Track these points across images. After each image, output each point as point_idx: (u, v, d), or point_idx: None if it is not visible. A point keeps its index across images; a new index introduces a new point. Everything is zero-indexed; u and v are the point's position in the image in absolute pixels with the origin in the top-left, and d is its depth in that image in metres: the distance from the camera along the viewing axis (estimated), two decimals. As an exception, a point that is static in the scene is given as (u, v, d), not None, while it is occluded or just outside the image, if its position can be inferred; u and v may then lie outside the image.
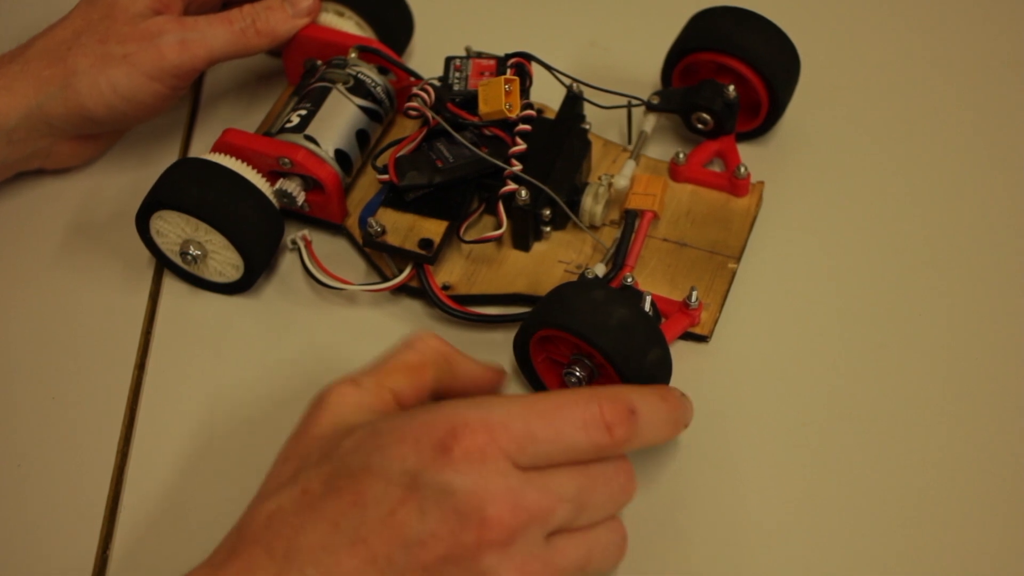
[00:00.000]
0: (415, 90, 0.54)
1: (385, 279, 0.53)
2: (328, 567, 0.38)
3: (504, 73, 0.54)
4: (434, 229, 0.52)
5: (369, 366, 0.44)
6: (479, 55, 0.55)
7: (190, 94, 0.64)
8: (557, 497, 0.39)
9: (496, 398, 0.41)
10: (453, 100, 0.53)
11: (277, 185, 0.54)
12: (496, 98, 0.52)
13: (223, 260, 0.54)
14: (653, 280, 0.53)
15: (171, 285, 0.56)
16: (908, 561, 0.46)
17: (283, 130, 0.54)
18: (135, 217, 0.53)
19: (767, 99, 0.56)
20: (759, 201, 0.56)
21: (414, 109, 0.54)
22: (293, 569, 0.38)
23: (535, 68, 0.55)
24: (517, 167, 0.52)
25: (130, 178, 0.60)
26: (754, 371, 0.51)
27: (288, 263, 0.56)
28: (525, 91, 0.54)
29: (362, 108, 0.55)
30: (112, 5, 0.56)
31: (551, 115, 0.57)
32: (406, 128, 0.57)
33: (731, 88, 0.55)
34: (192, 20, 0.56)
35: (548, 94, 0.57)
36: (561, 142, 0.54)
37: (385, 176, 0.53)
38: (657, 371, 0.46)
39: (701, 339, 0.52)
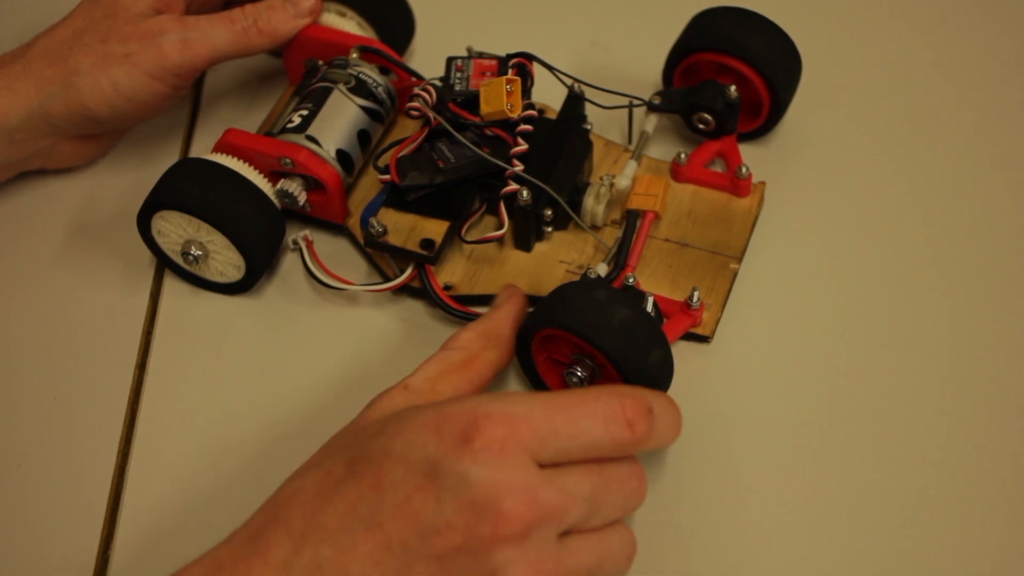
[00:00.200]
0: (416, 90, 0.54)
1: (387, 279, 0.53)
2: (344, 548, 0.38)
3: (506, 73, 0.54)
4: (436, 229, 0.52)
5: (418, 372, 0.46)
6: (480, 55, 0.55)
7: (191, 94, 0.64)
8: (572, 496, 0.40)
9: (519, 393, 0.42)
10: (455, 100, 0.53)
11: (278, 185, 0.54)
12: (498, 98, 0.52)
13: (224, 260, 0.53)
14: (655, 280, 0.53)
15: (172, 285, 0.56)
16: (908, 561, 0.46)
17: (284, 130, 0.54)
18: (136, 217, 0.53)
19: (768, 99, 0.56)
20: (761, 201, 0.56)
21: (415, 109, 0.54)
22: (308, 547, 0.39)
23: (537, 68, 0.55)
24: (519, 167, 0.52)
25: (131, 178, 0.60)
26: (755, 371, 0.51)
27: (289, 263, 0.56)
28: (527, 91, 0.54)
29: (363, 108, 0.55)
30: (114, 4, 0.56)
31: (553, 115, 0.57)
32: (407, 128, 0.57)
33: (732, 88, 0.55)
34: (194, 19, 0.56)
35: (550, 94, 0.57)
36: (563, 142, 0.54)
37: (387, 176, 0.53)
38: (659, 372, 0.46)
39: (703, 339, 0.52)
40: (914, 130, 0.60)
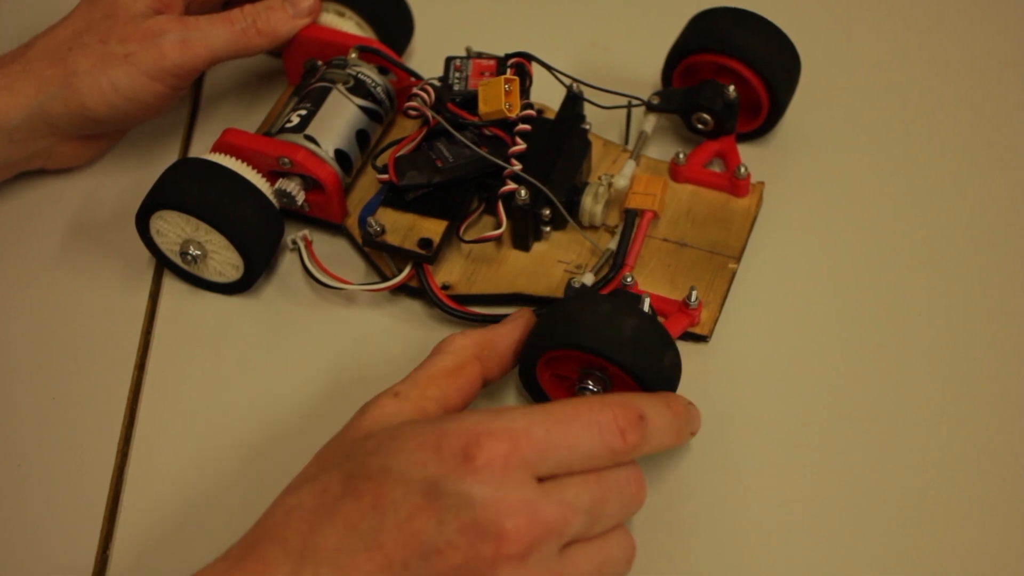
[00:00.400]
0: (415, 90, 0.54)
1: (385, 279, 0.53)
2: (344, 569, 0.38)
3: (504, 73, 0.54)
4: (434, 229, 0.52)
5: (408, 378, 0.45)
6: (479, 55, 0.55)
7: (190, 94, 0.64)
8: (573, 509, 0.40)
9: (515, 408, 0.41)
10: (453, 100, 0.53)
11: (277, 185, 0.54)
12: (496, 98, 0.52)
13: (223, 260, 0.54)
14: (653, 280, 0.53)
15: (171, 285, 0.56)
16: (908, 561, 0.46)
17: (283, 130, 0.54)
18: (135, 217, 0.53)
19: (767, 100, 0.56)
20: (759, 201, 0.56)
21: (414, 109, 0.54)
22: (307, 567, 0.38)
23: (535, 68, 0.55)
24: (517, 167, 0.52)
25: (131, 178, 0.60)
26: (754, 371, 0.51)
27: (288, 263, 0.56)
28: (525, 91, 0.54)
29: (362, 108, 0.55)
30: (113, 5, 0.56)
31: (551, 115, 0.57)
32: (406, 128, 0.57)
33: (731, 88, 0.55)
34: (193, 20, 0.56)
35: (548, 94, 0.57)
36: (561, 142, 0.54)
37: (385, 176, 0.53)
38: (672, 374, 0.46)
39: (701, 339, 0.52)
40: (912, 130, 0.60)
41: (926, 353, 0.52)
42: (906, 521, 0.47)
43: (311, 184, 0.54)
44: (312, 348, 0.53)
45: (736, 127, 0.57)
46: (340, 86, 0.55)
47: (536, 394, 0.49)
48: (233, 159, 0.53)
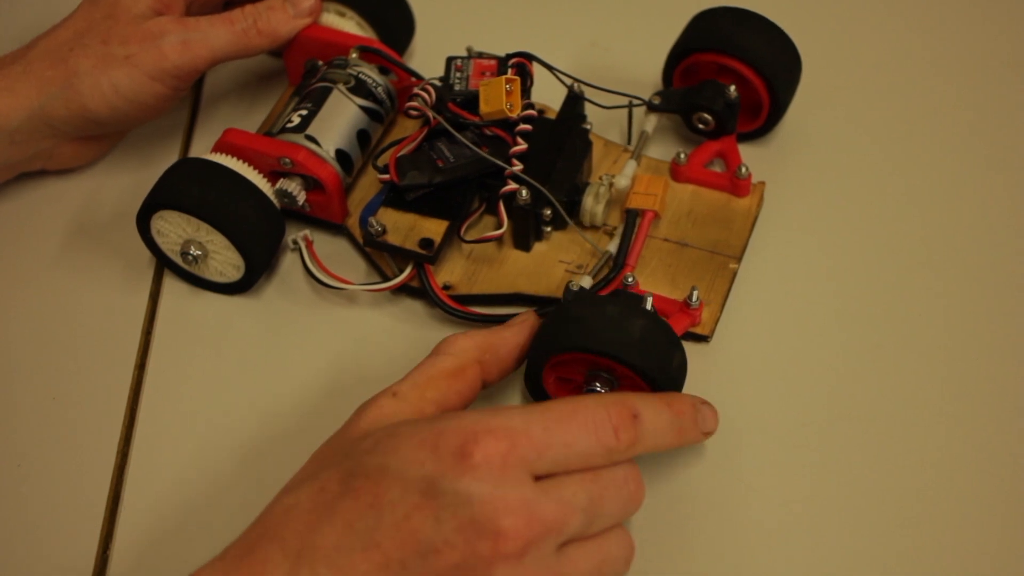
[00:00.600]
0: (416, 90, 0.54)
1: (386, 279, 0.53)
2: (341, 568, 0.38)
3: (505, 73, 0.54)
4: (435, 229, 0.52)
5: (407, 378, 0.45)
6: (480, 55, 0.55)
7: (191, 94, 0.64)
8: (571, 508, 0.40)
9: (512, 407, 0.41)
10: (454, 100, 0.53)
11: (278, 185, 0.54)
12: (497, 98, 0.52)
13: (224, 260, 0.54)
14: (654, 280, 0.53)
15: (171, 285, 0.56)
16: (908, 561, 0.46)
17: (284, 130, 0.54)
18: (136, 217, 0.53)
19: (768, 100, 0.56)
20: (760, 201, 0.56)
21: (415, 109, 0.54)
22: (305, 566, 0.38)
23: (536, 68, 0.55)
24: (518, 167, 0.52)
25: (131, 178, 0.60)
26: (755, 371, 0.51)
27: (289, 263, 0.56)
28: (526, 91, 0.54)
29: (363, 108, 0.55)
30: (114, 5, 0.56)
31: (552, 115, 0.57)
32: (407, 128, 0.57)
33: (732, 88, 0.55)
34: (194, 21, 0.56)
35: (549, 94, 0.57)
36: (562, 142, 0.54)
37: (386, 176, 0.53)
38: (680, 374, 0.47)
39: (702, 339, 0.52)
40: (913, 130, 0.60)
41: (926, 353, 0.51)
42: (905, 521, 0.47)
43: (312, 184, 0.54)
44: (313, 348, 0.53)
45: (737, 127, 0.57)
46: (341, 86, 0.55)
47: (540, 397, 0.49)
48: (234, 159, 0.53)
